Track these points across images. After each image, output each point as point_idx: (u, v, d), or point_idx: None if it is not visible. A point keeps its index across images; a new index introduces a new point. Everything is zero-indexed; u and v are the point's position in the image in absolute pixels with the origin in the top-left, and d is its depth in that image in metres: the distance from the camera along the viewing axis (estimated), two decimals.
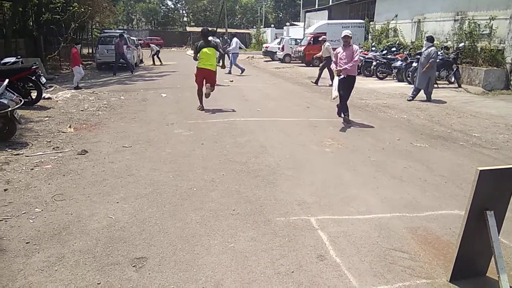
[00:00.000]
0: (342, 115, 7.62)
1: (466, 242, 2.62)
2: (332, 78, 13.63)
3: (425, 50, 10.34)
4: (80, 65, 12.54)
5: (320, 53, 14.14)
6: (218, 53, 9.37)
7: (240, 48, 17.65)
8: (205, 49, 8.55)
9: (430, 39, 10.47)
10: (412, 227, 3.50)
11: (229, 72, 16.47)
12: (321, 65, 14.32)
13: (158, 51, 22.78)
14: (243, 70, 16.87)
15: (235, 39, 17.18)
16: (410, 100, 10.50)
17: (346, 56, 7.36)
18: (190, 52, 12.67)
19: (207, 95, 8.86)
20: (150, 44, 25.70)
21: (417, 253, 3.09)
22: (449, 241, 3.25)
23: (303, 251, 3.07)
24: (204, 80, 8.80)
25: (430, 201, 4.10)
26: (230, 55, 17.01)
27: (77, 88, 12.08)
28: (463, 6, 14.84)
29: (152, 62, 22.53)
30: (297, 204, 3.95)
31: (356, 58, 7.36)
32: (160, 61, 22.68)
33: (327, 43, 13.80)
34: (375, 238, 3.30)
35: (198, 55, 8.66)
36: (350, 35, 7.44)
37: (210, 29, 10.01)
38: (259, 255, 3.02)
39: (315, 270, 2.84)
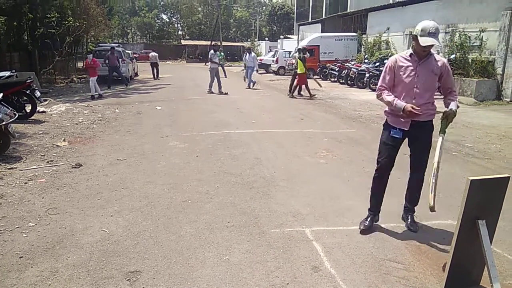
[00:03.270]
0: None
1: (459, 252, 2.64)
2: (300, 90, 14.25)
3: None
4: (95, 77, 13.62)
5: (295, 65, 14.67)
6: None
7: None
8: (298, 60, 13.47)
9: None
10: (406, 238, 3.52)
11: (248, 86, 17.13)
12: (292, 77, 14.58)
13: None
14: (250, 84, 17.35)
15: (253, 54, 18.37)
16: None
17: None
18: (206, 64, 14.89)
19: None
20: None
21: (411, 263, 3.10)
22: (442, 251, 3.27)
23: (298, 263, 3.07)
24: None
25: (423, 211, 4.11)
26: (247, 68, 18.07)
27: (93, 98, 13.30)
28: (454, 19, 15.11)
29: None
30: (292, 215, 3.96)
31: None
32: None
33: (296, 54, 15.04)
34: (370, 249, 3.31)
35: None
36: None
37: (302, 47, 15.27)
38: (254, 267, 3.01)
39: (310, 281, 2.84)
